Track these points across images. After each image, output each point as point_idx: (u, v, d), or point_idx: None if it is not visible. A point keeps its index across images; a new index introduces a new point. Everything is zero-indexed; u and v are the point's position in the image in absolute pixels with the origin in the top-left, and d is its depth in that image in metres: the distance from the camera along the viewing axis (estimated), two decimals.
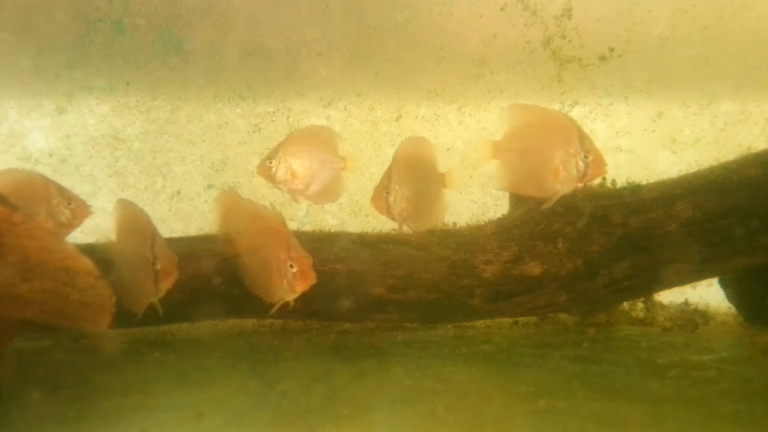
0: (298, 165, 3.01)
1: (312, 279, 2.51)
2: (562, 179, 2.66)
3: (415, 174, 2.97)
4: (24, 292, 1.86)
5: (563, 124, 2.71)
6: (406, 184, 2.94)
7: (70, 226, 2.83)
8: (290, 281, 2.51)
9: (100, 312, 1.95)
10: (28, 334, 2.89)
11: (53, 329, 2.88)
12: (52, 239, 1.82)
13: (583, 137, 2.64)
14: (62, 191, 2.82)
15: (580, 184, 2.69)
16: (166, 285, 2.58)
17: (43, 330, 2.91)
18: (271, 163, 3.00)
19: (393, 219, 3.00)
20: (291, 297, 2.57)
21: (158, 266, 2.54)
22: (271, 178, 3.01)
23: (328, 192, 3.10)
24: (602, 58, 3.97)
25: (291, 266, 2.51)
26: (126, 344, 2.91)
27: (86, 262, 1.87)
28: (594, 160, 2.63)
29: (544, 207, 2.82)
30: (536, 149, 2.70)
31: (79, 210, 2.84)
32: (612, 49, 3.93)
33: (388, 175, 2.96)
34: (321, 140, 3.07)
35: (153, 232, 2.61)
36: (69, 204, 2.81)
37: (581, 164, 2.63)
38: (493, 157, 2.79)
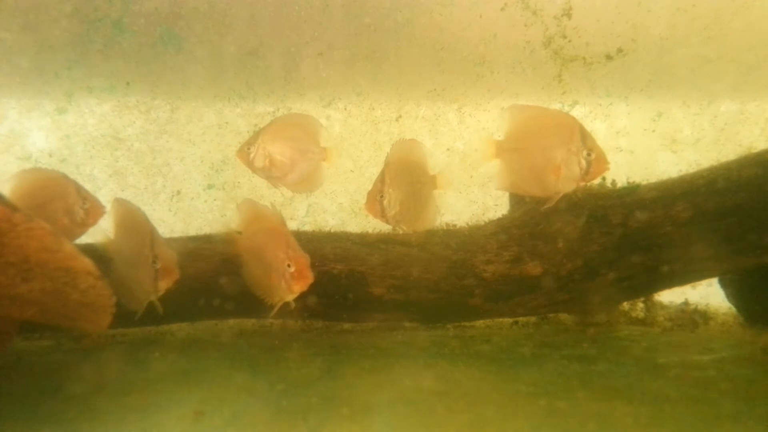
0: (277, 153, 2.98)
1: (309, 279, 2.50)
2: (564, 177, 2.65)
3: (408, 177, 2.97)
4: (24, 292, 1.86)
5: (565, 122, 2.71)
6: (399, 187, 2.93)
7: (84, 225, 2.86)
8: (288, 281, 2.51)
9: (100, 312, 1.95)
10: (28, 334, 2.89)
11: (53, 329, 2.88)
12: (53, 239, 1.82)
13: (585, 135, 2.64)
14: (80, 191, 2.86)
15: (583, 183, 2.69)
16: (166, 284, 2.59)
17: (43, 330, 2.91)
18: (249, 148, 2.98)
19: (387, 222, 2.99)
20: (290, 297, 2.56)
21: (158, 265, 2.55)
22: (250, 164, 2.99)
23: (307, 181, 3.07)
24: (608, 57, 3.97)
25: (288, 266, 2.50)
26: (126, 344, 2.91)
27: (86, 262, 1.87)
28: (597, 157, 2.63)
29: (545, 207, 2.82)
30: (538, 148, 2.70)
31: (93, 210, 2.87)
32: (620, 50, 3.93)
33: (381, 179, 2.95)
34: (302, 129, 3.04)
35: (152, 231, 2.62)
36: (84, 204, 2.83)
37: (584, 162, 2.63)
38: (495, 156, 2.79)
